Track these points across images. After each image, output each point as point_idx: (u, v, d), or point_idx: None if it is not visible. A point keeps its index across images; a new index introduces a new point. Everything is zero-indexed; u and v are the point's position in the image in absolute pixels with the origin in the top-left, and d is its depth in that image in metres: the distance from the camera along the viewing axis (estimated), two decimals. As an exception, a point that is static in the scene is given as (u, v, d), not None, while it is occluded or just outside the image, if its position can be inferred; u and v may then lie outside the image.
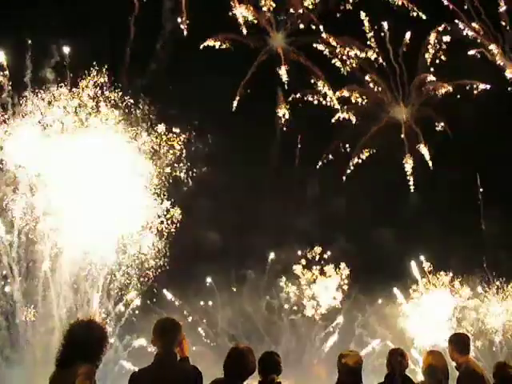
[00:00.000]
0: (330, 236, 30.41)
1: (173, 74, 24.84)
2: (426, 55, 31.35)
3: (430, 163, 31.46)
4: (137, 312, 25.38)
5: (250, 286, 29.63)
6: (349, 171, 31.35)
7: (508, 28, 30.99)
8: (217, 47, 28.35)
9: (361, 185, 30.02)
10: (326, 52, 30.42)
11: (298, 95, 30.58)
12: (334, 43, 30.33)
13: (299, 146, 30.48)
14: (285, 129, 30.30)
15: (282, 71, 29.86)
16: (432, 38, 31.15)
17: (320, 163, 31.23)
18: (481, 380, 6.05)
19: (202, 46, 27.93)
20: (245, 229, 27.21)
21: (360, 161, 31.42)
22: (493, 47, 31.14)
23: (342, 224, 29.66)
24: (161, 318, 5.36)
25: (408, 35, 31.02)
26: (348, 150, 31.60)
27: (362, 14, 30.36)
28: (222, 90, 27.07)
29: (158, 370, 5.04)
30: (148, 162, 22.02)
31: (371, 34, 30.76)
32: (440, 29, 31.24)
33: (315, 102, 30.83)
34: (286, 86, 30.23)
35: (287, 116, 30.28)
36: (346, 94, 31.06)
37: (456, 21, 31.02)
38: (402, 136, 31.85)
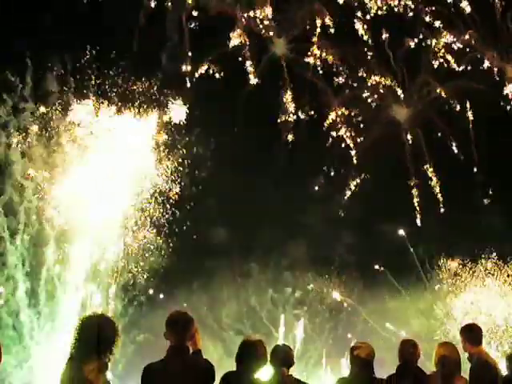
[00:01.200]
0: (333, 234, 30.77)
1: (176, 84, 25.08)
2: (426, 60, 31.54)
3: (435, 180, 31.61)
4: (143, 307, 25.47)
5: (255, 280, 29.74)
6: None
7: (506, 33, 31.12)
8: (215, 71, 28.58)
9: (365, 186, 30.39)
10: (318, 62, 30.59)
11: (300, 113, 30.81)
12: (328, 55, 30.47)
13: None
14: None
15: (287, 96, 30.05)
16: (432, 43, 31.23)
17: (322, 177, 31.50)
18: (493, 371, 6.01)
19: (198, 74, 28.09)
20: (250, 225, 27.40)
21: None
22: (491, 53, 31.23)
23: (346, 223, 30.02)
24: (173, 312, 5.31)
25: (407, 42, 31.13)
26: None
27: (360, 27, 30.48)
28: (225, 99, 27.44)
29: (171, 363, 5.02)
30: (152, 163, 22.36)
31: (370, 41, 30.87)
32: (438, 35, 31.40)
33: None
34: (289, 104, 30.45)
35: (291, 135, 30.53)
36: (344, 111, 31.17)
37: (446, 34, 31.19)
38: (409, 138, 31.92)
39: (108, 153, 21.44)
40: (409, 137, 32.15)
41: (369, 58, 30.87)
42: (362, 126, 31.26)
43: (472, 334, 6.33)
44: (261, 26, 29.21)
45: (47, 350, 22.15)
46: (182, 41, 27.74)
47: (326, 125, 30.89)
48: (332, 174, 31.24)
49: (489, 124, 29.17)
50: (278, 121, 30.13)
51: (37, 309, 22.53)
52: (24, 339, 22.38)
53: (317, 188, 30.95)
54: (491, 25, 30.87)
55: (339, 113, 31.00)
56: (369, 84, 31.00)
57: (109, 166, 21.32)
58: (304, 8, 29.68)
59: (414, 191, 31.31)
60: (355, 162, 31.03)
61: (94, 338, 4.72)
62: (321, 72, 30.44)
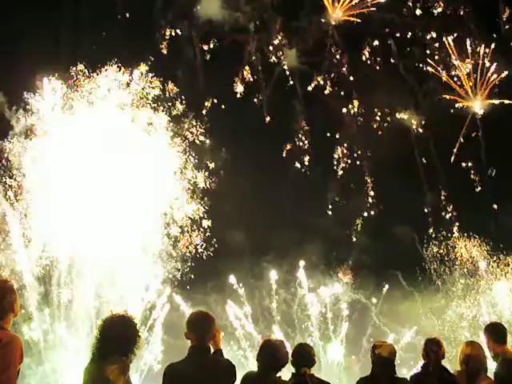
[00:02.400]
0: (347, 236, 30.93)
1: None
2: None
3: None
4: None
5: (269, 281, 29.84)
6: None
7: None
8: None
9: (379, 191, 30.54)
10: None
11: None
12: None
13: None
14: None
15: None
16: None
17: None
18: (520, 370, 5.90)
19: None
20: (265, 228, 27.69)
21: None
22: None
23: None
24: (194, 312, 5.29)
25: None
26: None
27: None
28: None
29: (193, 363, 4.99)
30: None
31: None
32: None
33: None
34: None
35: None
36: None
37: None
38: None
39: (123, 162, 21.61)
40: (420, 141, 32.45)
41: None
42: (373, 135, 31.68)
43: (497, 332, 6.20)
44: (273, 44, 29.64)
45: (60, 353, 22.29)
46: (196, 62, 28.18)
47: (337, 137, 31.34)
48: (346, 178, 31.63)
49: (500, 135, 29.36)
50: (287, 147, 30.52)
51: (51, 313, 22.62)
52: (38, 343, 22.48)
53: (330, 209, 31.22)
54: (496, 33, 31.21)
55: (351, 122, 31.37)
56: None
57: (125, 175, 21.50)
58: (314, 24, 30.12)
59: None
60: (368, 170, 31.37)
61: (116, 338, 4.68)
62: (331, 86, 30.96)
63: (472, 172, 32.27)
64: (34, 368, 21.89)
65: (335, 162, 31.93)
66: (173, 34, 28.02)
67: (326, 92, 31.40)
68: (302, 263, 29.98)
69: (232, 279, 28.58)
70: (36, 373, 21.96)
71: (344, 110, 31.87)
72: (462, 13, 31.36)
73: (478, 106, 32.30)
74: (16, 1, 24.13)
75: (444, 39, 31.72)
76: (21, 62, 22.04)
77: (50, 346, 22.72)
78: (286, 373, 5.77)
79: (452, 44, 31.75)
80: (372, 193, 31.68)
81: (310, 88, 31.17)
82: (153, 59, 24.38)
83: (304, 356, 6.00)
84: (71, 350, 22.20)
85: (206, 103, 27.83)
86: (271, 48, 30.26)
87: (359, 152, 31.87)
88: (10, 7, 23.55)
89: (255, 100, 30.31)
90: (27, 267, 21.84)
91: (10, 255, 21.56)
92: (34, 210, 21.73)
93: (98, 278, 21.79)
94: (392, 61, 32.03)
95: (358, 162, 32.05)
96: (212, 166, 25.04)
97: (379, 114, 31.98)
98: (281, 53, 30.32)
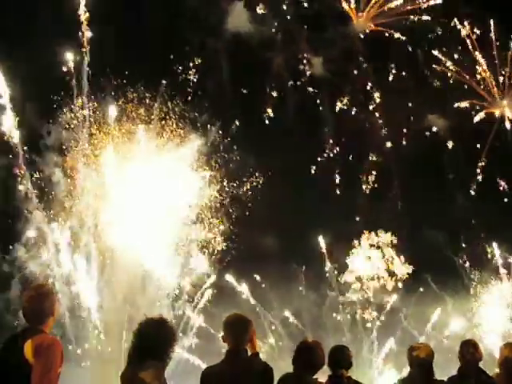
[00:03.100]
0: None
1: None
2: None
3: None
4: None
5: (299, 284, 29.87)
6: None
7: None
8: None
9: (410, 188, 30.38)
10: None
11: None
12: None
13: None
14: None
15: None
16: None
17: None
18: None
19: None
20: (295, 233, 27.79)
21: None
22: None
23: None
24: (231, 315, 5.26)
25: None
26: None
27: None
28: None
29: (230, 366, 4.99)
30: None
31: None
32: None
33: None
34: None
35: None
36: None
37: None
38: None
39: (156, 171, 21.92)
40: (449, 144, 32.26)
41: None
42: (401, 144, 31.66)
43: None
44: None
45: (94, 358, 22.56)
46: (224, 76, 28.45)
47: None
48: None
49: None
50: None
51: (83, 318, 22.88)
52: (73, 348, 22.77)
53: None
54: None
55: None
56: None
57: (157, 188, 21.81)
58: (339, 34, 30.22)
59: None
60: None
61: (152, 342, 4.67)
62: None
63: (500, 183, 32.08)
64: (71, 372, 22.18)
65: (364, 170, 31.95)
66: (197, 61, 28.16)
67: (353, 101, 31.45)
68: (331, 267, 29.97)
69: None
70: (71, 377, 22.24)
71: (370, 119, 31.92)
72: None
73: (506, 111, 32.05)
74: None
75: (470, 46, 31.66)
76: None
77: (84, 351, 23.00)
78: (321, 375, 5.76)
79: (478, 49, 31.70)
80: (400, 202, 31.56)
81: (336, 99, 31.30)
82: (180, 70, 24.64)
83: (341, 358, 5.97)
84: (105, 354, 22.49)
85: (234, 120, 28.03)
86: (297, 59, 30.45)
87: (387, 159, 31.79)
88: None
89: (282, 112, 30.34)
90: (58, 273, 22.17)
91: (44, 262, 21.92)
92: (67, 220, 22.15)
93: (128, 284, 22.03)
94: (418, 68, 32.01)
95: (386, 168, 31.91)
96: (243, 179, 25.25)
97: (406, 122, 31.97)
98: (307, 66, 30.52)
